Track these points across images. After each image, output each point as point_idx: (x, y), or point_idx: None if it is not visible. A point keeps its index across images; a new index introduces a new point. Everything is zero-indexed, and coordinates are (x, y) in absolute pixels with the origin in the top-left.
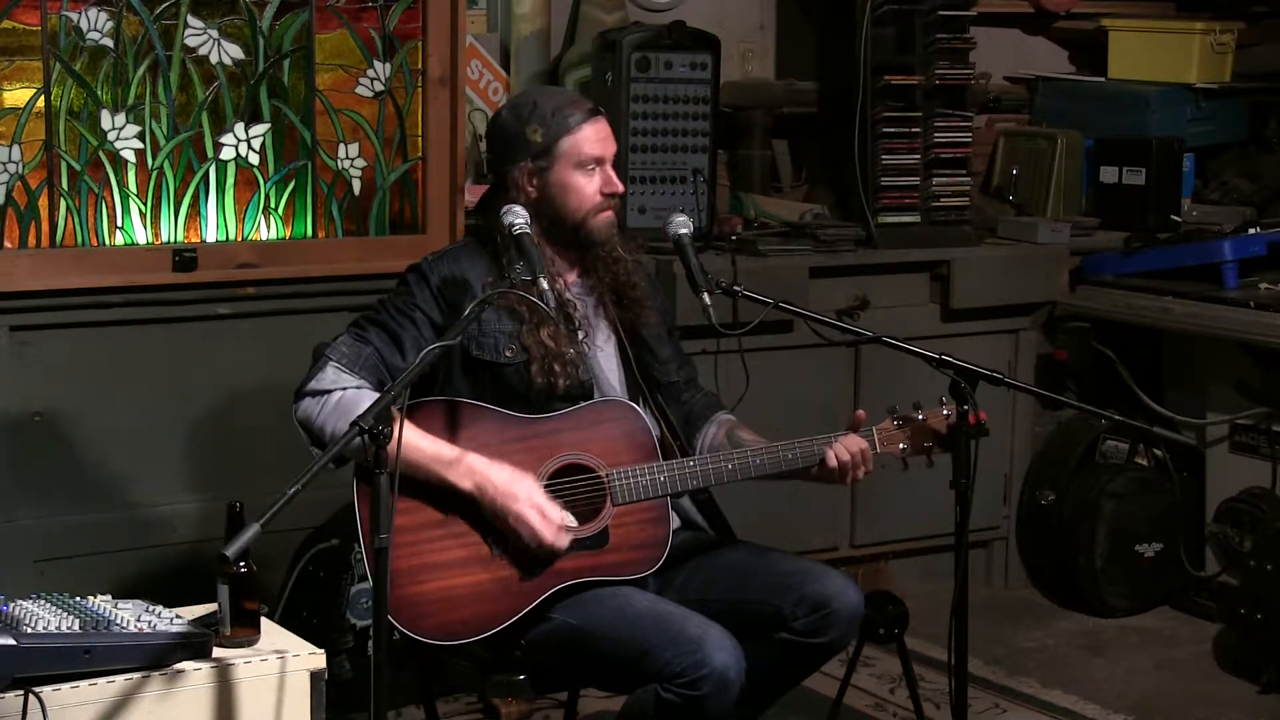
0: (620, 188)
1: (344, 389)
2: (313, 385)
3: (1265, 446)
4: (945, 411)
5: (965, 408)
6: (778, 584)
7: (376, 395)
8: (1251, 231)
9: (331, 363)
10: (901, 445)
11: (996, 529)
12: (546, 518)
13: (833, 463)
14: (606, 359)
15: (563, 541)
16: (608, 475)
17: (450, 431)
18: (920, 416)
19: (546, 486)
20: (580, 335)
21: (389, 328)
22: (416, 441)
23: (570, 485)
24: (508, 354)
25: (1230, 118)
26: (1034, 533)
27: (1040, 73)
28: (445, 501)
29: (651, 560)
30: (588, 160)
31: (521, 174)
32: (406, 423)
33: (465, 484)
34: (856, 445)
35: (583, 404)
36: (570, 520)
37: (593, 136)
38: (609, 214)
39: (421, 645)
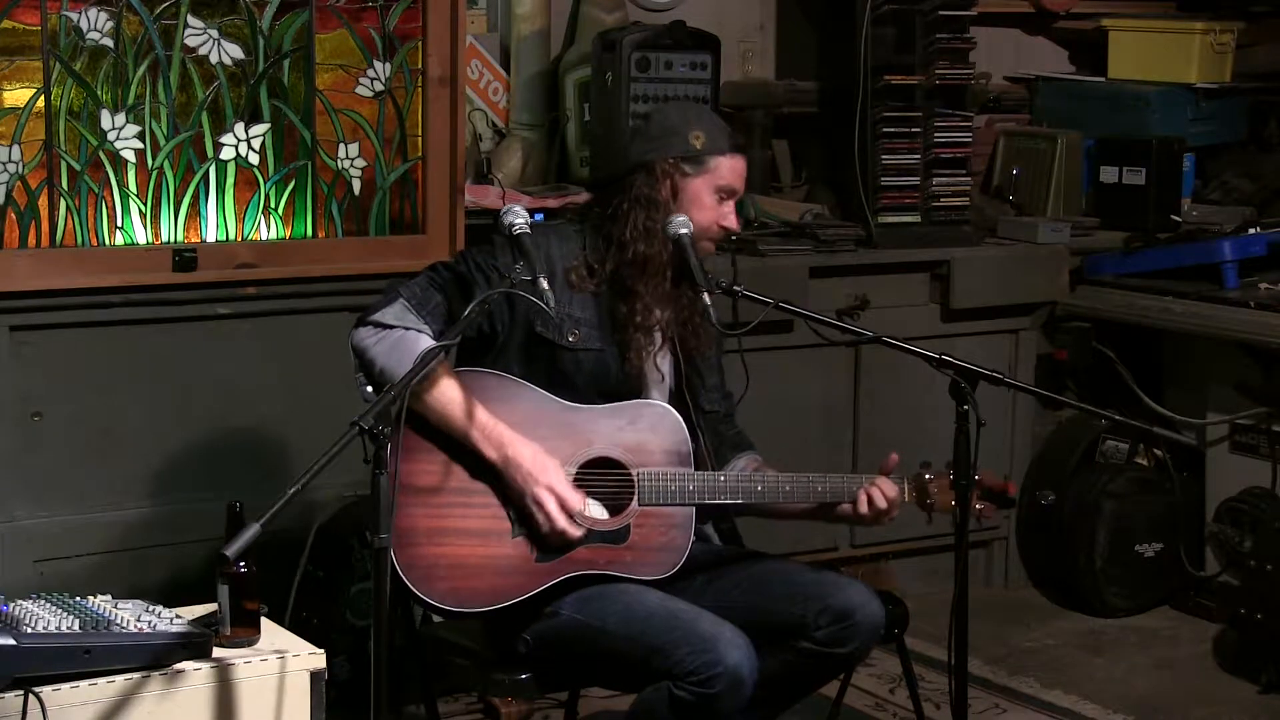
0: (737, 228)
1: (406, 328)
2: (377, 316)
3: (1265, 446)
4: (976, 477)
5: (965, 407)
6: (799, 593)
7: (434, 343)
8: (1251, 231)
9: (402, 299)
10: (929, 500)
11: (996, 529)
12: (563, 504)
13: (864, 507)
14: (659, 371)
15: (575, 532)
16: (638, 474)
17: (490, 403)
18: (952, 475)
19: (576, 476)
20: (644, 340)
21: (464, 281)
22: (455, 399)
23: (600, 478)
24: (571, 338)
25: (1230, 118)
26: (1034, 533)
27: (1040, 73)
28: (476, 470)
29: (668, 564)
30: (726, 187)
31: (669, 167)
32: (452, 380)
33: (491, 453)
34: (891, 490)
35: (626, 401)
36: (596, 509)
37: (739, 169)
38: (713, 245)
39: (427, 608)
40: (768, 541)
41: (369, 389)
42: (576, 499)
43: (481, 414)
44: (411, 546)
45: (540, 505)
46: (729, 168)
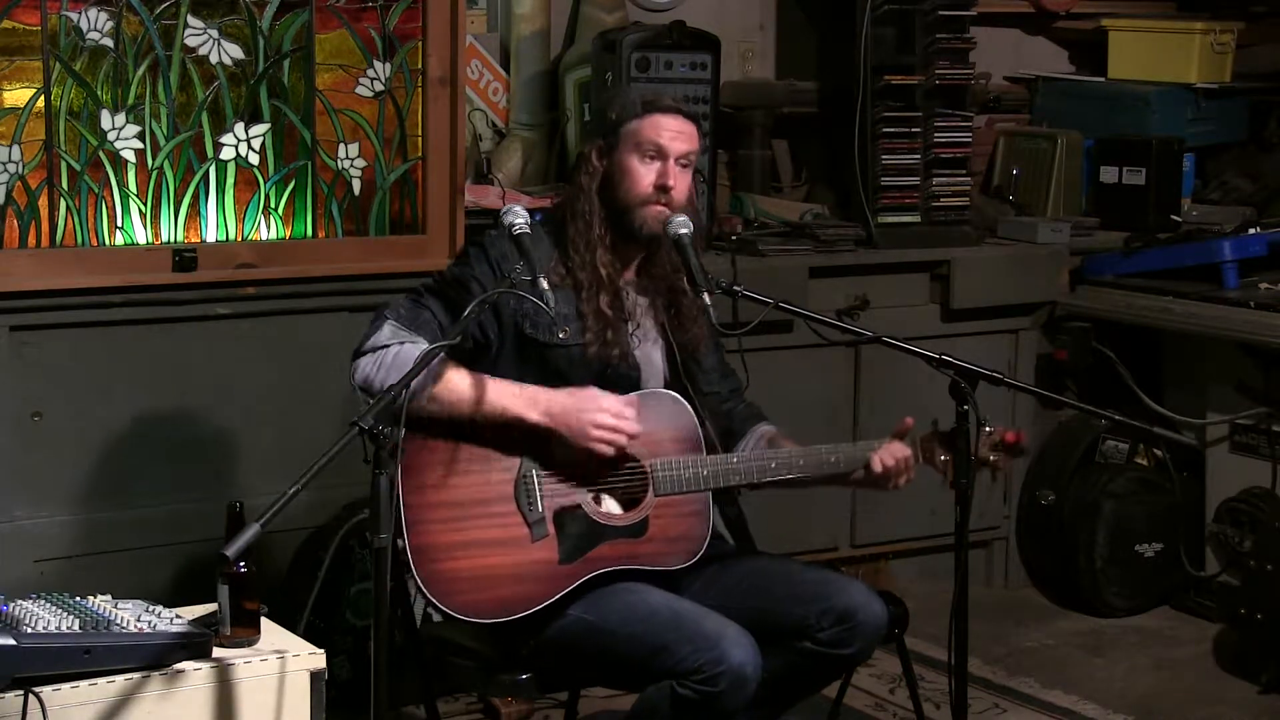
0: (671, 181)
1: (401, 344)
2: (370, 343)
3: (1265, 446)
4: (989, 429)
5: (965, 407)
6: (802, 594)
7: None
8: (1251, 231)
9: (390, 321)
10: (942, 458)
11: (996, 529)
12: (620, 417)
13: (878, 468)
14: (654, 359)
15: (635, 428)
16: (651, 465)
17: None
18: (954, 475)
19: (590, 474)
20: (631, 327)
21: (446, 296)
22: (477, 382)
23: (614, 472)
24: (561, 336)
25: (1230, 118)
26: (1034, 533)
27: (1040, 73)
28: (486, 479)
29: (689, 553)
30: (647, 145)
31: (591, 150)
32: (460, 371)
33: (533, 415)
34: (902, 452)
35: (632, 393)
36: (613, 506)
37: (662, 126)
38: (658, 209)
39: (453, 621)
40: (769, 541)
41: None
42: (625, 406)
43: (503, 383)
44: (431, 563)
45: (603, 429)
46: (648, 125)
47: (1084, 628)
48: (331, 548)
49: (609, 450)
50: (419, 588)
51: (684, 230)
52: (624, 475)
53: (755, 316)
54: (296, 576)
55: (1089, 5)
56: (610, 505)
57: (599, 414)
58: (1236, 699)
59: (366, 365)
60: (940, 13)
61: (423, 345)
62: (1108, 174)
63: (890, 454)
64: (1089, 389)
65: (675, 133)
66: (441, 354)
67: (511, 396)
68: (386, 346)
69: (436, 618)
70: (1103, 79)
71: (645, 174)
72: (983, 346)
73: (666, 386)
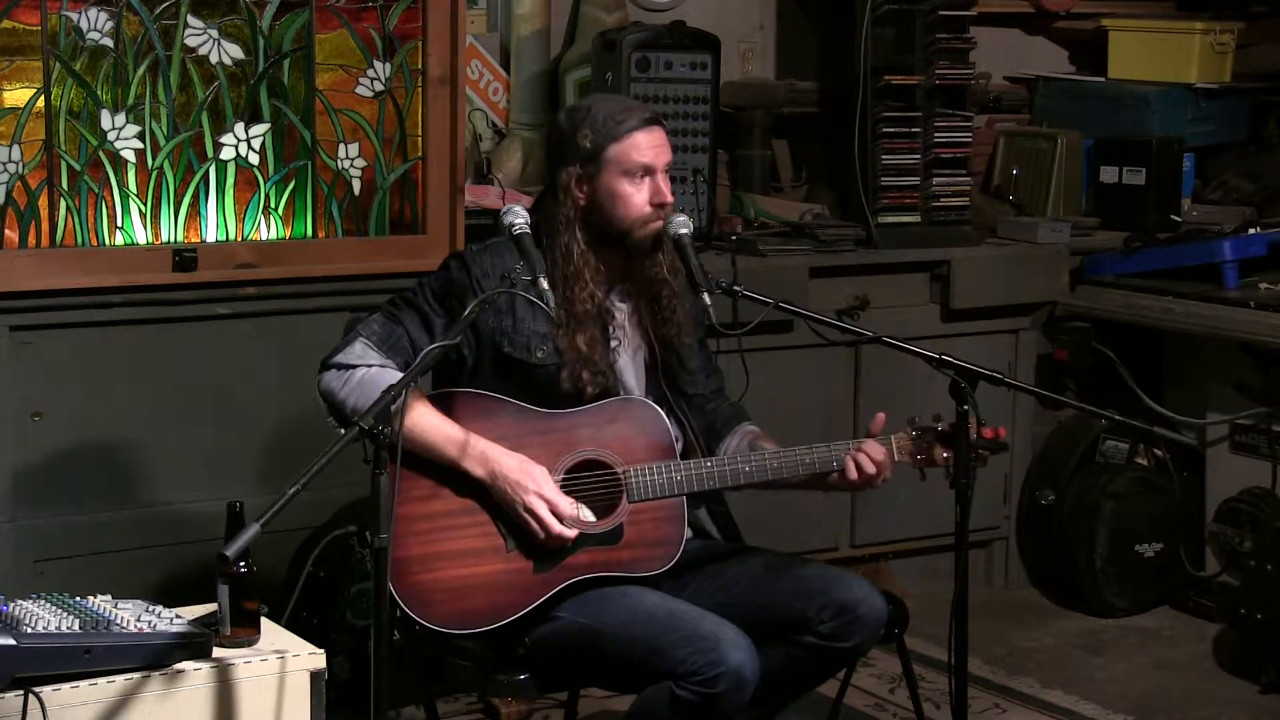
0: (669, 198)
1: (369, 366)
2: (339, 359)
3: (1265, 446)
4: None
5: (965, 407)
6: (801, 588)
7: (401, 375)
8: (1251, 231)
9: (361, 338)
10: (919, 456)
11: (996, 529)
12: (555, 509)
13: (853, 472)
14: (635, 369)
15: (569, 534)
16: (624, 472)
17: (470, 421)
18: (939, 428)
19: (563, 481)
20: (613, 345)
21: (422, 311)
22: (433, 423)
23: (587, 481)
24: (539, 355)
25: (1230, 118)
26: (1034, 533)
27: (1040, 73)
28: (462, 490)
29: (665, 558)
30: (635, 168)
31: (570, 179)
32: (426, 405)
33: (477, 470)
34: (878, 453)
35: (603, 401)
36: (587, 514)
37: (643, 144)
38: (658, 224)
39: (430, 634)
40: (769, 540)
41: (341, 431)
42: (567, 503)
43: (460, 433)
44: (406, 575)
45: (532, 513)
46: (631, 146)
47: (1084, 628)
48: (321, 543)
49: (533, 529)
50: (397, 603)
51: (684, 230)
52: (598, 483)
53: (755, 316)
54: (296, 577)
55: (1089, 5)
56: (585, 513)
57: (534, 500)
58: (1236, 699)
59: (332, 380)
60: (940, 13)
61: (391, 369)
62: (1108, 174)
63: (866, 454)
64: (1089, 389)
65: (656, 147)
66: (425, 365)
67: (460, 447)
68: (354, 367)
69: None
70: (1103, 79)
71: (638, 194)
72: (983, 346)
73: (647, 391)
